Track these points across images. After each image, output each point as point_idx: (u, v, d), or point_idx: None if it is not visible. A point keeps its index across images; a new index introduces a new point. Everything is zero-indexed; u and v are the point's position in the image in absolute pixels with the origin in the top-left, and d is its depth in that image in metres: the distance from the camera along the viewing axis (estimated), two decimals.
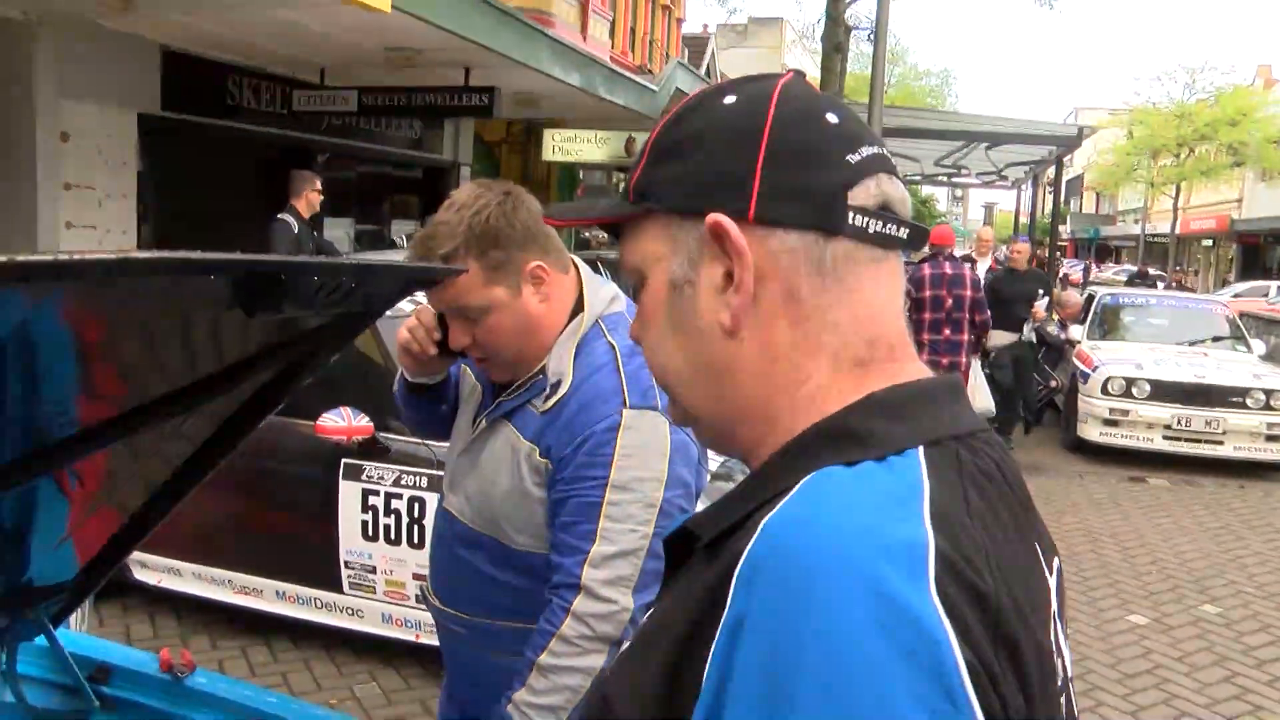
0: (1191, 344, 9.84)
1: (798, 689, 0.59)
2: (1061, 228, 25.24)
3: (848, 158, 0.77)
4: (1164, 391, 8.76)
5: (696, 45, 29.65)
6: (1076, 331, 10.13)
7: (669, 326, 0.82)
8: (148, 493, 1.77)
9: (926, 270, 7.81)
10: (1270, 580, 6.01)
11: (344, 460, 3.91)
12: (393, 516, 3.85)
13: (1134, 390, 8.82)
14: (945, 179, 24.67)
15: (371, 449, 3.88)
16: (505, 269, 1.67)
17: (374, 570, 3.92)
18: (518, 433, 1.71)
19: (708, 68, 27.40)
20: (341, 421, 3.83)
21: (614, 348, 1.70)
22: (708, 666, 0.65)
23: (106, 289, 1.10)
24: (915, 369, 0.80)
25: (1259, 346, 10.08)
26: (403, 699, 3.90)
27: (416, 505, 3.81)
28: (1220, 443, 8.72)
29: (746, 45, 38.47)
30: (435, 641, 1.93)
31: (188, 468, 1.74)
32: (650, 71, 18.60)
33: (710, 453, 1.84)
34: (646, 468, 1.61)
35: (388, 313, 1.70)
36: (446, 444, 1.95)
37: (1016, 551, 0.72)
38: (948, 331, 7.88)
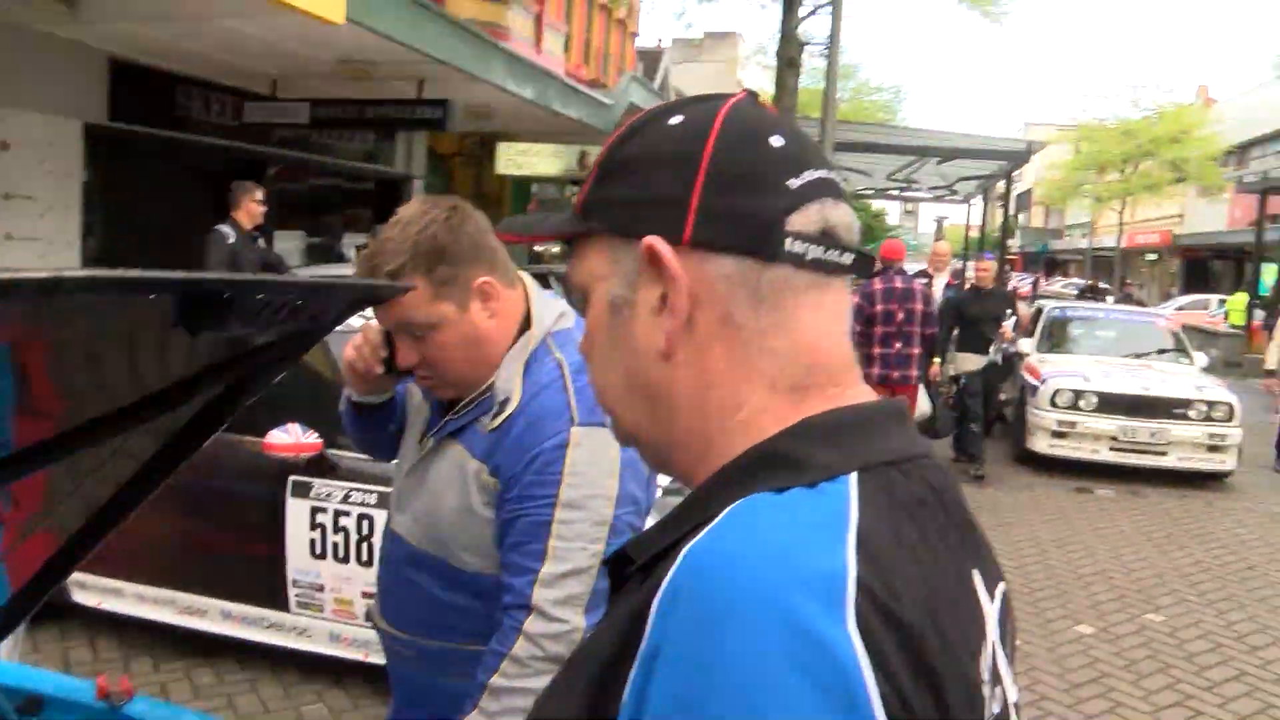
0: (1137, 357, 10.02)
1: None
2: (1010, 241, 25.64)
3: (788, 182, 0.76)
4: (1110, 403, 8.92)
5: (651, 59, 29.75)
6: (1025, 345, 10.27)
7: (609, 346, 0.82)
8: (88, 514, 1.72)
9: (878, 285, 7.87)
10: (1211, 588, 6.13)
11: (291, 477, 3.85)
12: (341, 534, 3.80)
13: (1081, 402, 8.97)
14: (897, 193, 25.00)
15: (320, 466, 3.83)
16: (452, 285, 1.66)
17: (322, 589, 3.86)
18: (466, 451, 1.69)
19: (662, 82, 27.51)
20: (289, 438, 3.78)
21: (562, 364, 1.69)
22: (625, 697, 0.64)
23: (42, 307, 1.07)
24: (858, 394, 0.79)
25: (1201, 359, 10.29)
26: (351, 719, 3.84)
27: (365, 522, 3.76)
28: (1164, 453, 8.89)
29: (701, 59, 38.67)
30: (384, 661, 1.91)
31: (130, 487, 1.69)
32: (604, 85, 18.62)
33: None
34: (596, 485, 1.60)
35: (337, 328, 1.68)
36: (385, 470, 1.92)
37: (948, 580, 0.71)
38: (899, 345, 7.95)
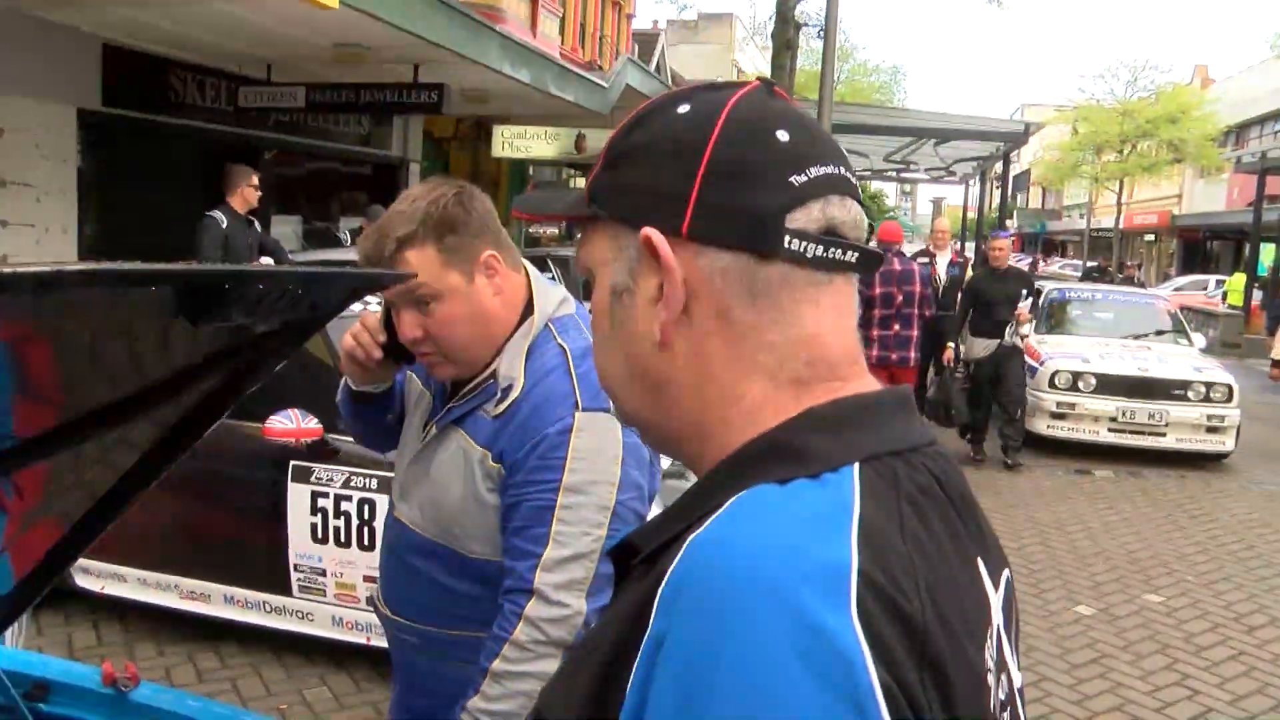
0: (1135, 338, 10.03)
1: (711, 712, 0.59)
2: (1008, 222, 25.59)
3: (791, 179, 0.75)
4: (1109, 385, 8.93)
5: (647, 41, 29.61)
6: (1024, 327, 10.24)
7: (610, 330, 0.83)
8: (91, 502, 1.72)
9: None
10: (1209, 569, 6.15)
11: (293, 462, 3.86)
12: (342, 519, 3.81)
13: (1080, 384, 8.98)
14: (894, 174, 24.97)
15: (320, 451, 3.83)
16: (461, 254, 1.67)
17: (324, 573, 3.87)
18: (470, 438, 1.69)
19: (658, 64, 27.39)
20: (290, 423, 3.78)
21: (565, 350, 1.70)
22: (629, 686, 0.65)
23: (42, 300, 1.07)
24: (862, 386, 0.79)
25: (1199, 340, 10.31)
26: (354, 702, 3.86)
27: (366, 507, 3.77)
28: (1163, 434, 8.91)
29: (697, 41, 38.47)
30: (386, 645, 1.91)
31: (133, 476, 1.70)
32: (600, 68, 18.56)
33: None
34: (599, 470, 1.60)
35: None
36: (387, 454, 1.92)
37: (952, 570, 0.72)
38: (897, 327, 7.95)
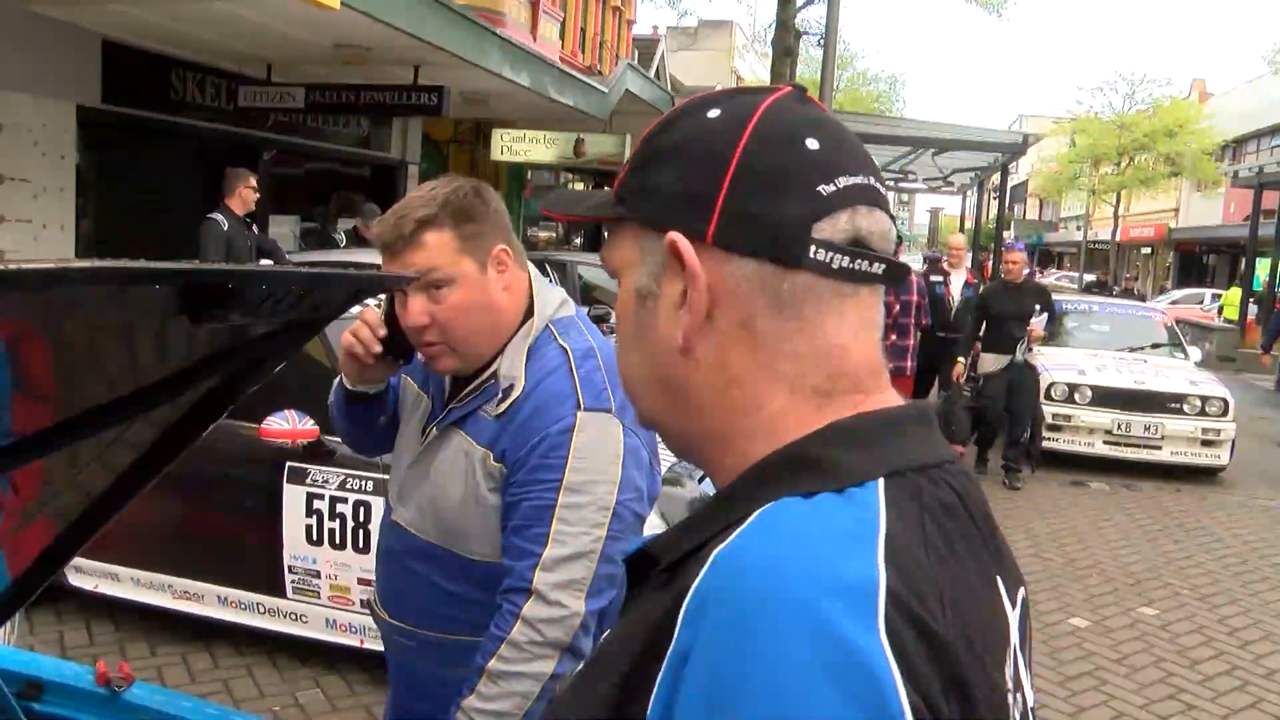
0: (1132, 350, 10.04)
1: None
2: (1005, 234, 25.66)
3: (819, 188, 0.74)
4: (1105, 397, 8.93)
5: (646, 47, 29.64)
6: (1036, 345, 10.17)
7: (634, 333, 0.82)
8: (87, 501, 1.71)
9: None
10: (1204, 582, 6.15)
11: (288, 463, 3.84)
12: (338, 520, 3.80)
13: (1076, 396, 8.98)
14: (892, 184, 24.96)
15: (316, 452, 3.82)
16: (476, 244, 1.69)
17: (318, 575, 3.86)
18: (470, 439, 1.69)
19: (657, 70, 27.42)
20: (286, 424, 3.77)
21: (567, 351, 1.70)
22: (652, 698, 0.64)
23: (44, 296, 1.06)
24: (885, 400, 0.78)
25: (1195, 353, 10.31)
26: (347, 705, 3.84)
27: (362, 509, 3.76)
28: (1158, 447, 8.91)
29: (697, 48, 38.53)
30: (380, 647, 1.90)
31: (129, 476, 1.69)
32: (600, 73, 18.57)
33: (660, 457, 1.83)
34: (600, 470, 1.60)
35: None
36: (382, 456, 1.91)
37: (974, 587, 0.71)
38: (894, 337, 7.95)
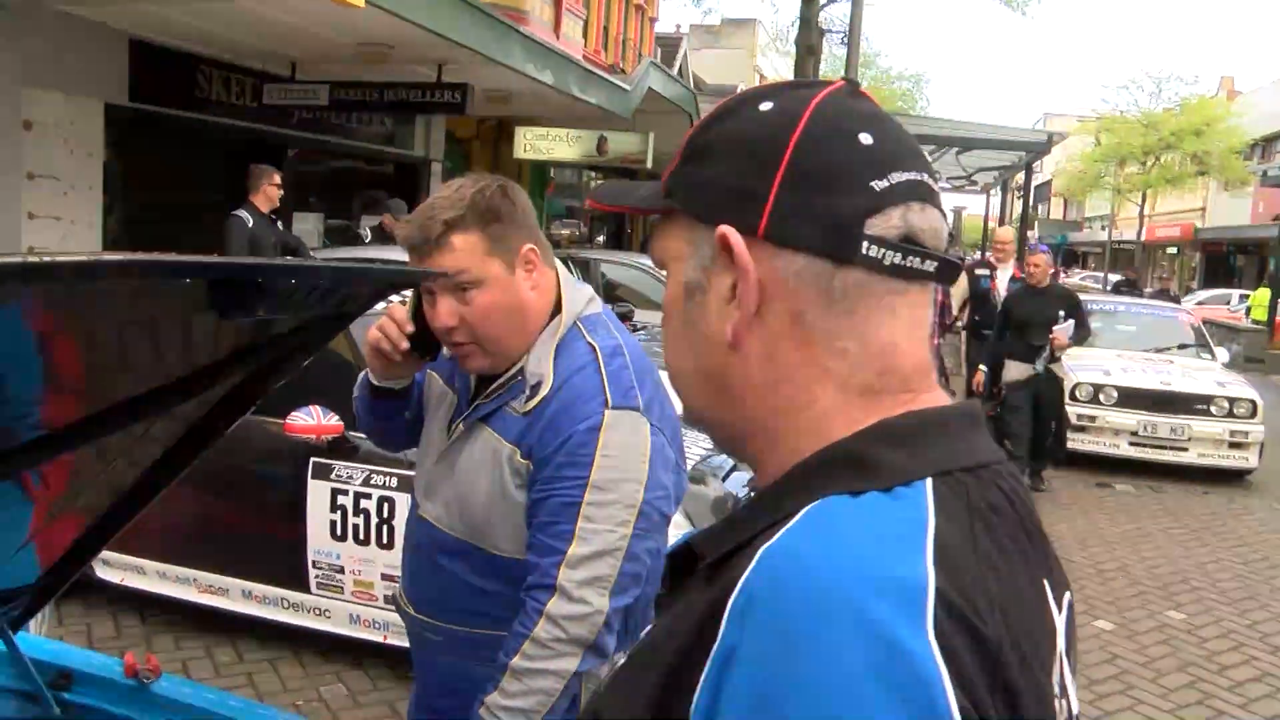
0: (1158, 351, 9.94)
1: None
2: (1030, 233, 25.49)
3: (872, 184, 0.73)
4: (1131, 398, 8.85)
5: (669, 45, 29.61)
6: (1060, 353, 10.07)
7: (681, 326, 0.81)
8: (115, 495, 1.73)
9: None
10: (1232, 586, 6.08)
11: (313, 459, 3.86)
12: (362, 516, 3.81)
13: (1101, 396, 8.90)
14: None
15: (341, 448, 3.84)
16: (504, 244, 1.68)
17: (342, 570, 3.87)
18: (498, 436, 1.68)
19: (680, 68, 27.39)
20: (311, 420, 3.78)
21: (595, 348, 1.70)
22: (696, 695, 0.64)
23: (76, 289, 1.06)
24: (933, 399, 0.77)
25: (1222, 354, 10.20)
26: (370, 700, 3.86)
27: (386, 505, 3.77)
28: (1185, 449, 8.82)
29: (720, 46, 38.46)
30: (403, 643, 1.90)
31: (157, 470, 1.70)
32: (623, 71, 18.56)
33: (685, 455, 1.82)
34: (627, 469, 1.60)
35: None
36: (405, 452, 1.91)
37: (1022, 590, 0.70)
38: None
